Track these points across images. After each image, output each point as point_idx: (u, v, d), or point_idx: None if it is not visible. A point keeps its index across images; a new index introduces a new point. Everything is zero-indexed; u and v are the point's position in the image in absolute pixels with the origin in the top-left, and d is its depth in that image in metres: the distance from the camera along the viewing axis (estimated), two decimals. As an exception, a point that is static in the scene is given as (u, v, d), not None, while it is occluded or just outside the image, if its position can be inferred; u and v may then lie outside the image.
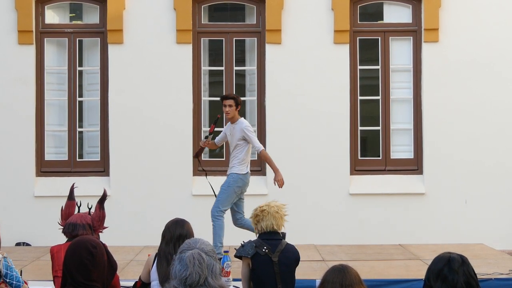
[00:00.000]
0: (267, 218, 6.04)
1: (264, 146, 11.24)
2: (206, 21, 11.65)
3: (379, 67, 11.51)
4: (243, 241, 6.14)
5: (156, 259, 5.57)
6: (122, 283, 5.55)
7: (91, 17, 11.69)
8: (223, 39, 11.48)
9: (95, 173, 11.27)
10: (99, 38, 11.45)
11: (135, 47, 11.25)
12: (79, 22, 11.80)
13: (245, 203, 8.81)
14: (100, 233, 5.71)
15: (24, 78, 11.22)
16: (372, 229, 11.07)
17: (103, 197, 5.83)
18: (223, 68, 11.49)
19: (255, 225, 6.13)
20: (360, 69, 11.50)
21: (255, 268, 5.97)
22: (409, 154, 11.48)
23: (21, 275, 5.82)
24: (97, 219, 5.65)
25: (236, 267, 6.50)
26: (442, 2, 11.29)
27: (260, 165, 11.31)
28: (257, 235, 6.17)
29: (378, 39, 11.53)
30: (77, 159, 11.41)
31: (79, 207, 5.92)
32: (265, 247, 5.95)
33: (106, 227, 5.78)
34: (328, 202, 11.16)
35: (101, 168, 11.35)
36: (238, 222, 8.79)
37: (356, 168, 11.38)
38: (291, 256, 6.04)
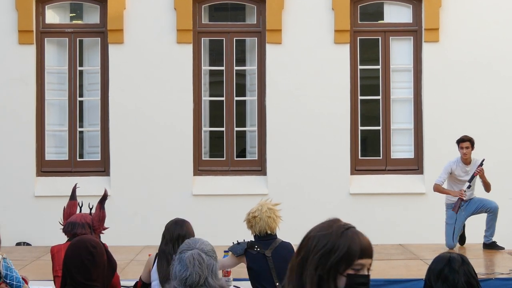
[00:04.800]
0: (259, 224, 6.15)
1: (265, 146, 11.28)
2: (207, 21, 11.64)
3: (379, 67, 11.50)
4: (237, 240, 6.25)
5: (156, 259, 5.57)
6: (122, 283, 5.55)
7: (92, 17, 11.68)
8: (224, 39, 11.46)
9: (96, 173, 11.27)
10: (99, 38, 11.44)
11: (135, 47, 11.24)
12: (79, 22, 11.80)
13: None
14: (101, 234, 5.70)
15: (25, 78, 11.21)
16: (372, 229, 10.92)
17: (104, 197, 5.82)
18: (223, 68, 11.48)
19: (250, 229, 6.22)
20: (360, 69, 11.49)
21: (251, 265, 6.08)
22: (410, 154, 11.47)
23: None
24: (97, 219, 5.65)
25: (236, 267, 6.51)
26: (442, 2, 11.28)
27: (260, 165, 11.30)
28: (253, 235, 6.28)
29: (378, 39, 11.52)
30: (78, 159, 11.40)
31: (80, 207, 5.91)
32: (256, 246, 6.05)
33: (107, 228, 5.77)
34: (328, 202, 11.14)
35: (102, 168, 11.34)
36: None
37: (357, 168, 11.37)
38: (286, 252, 6.05)
